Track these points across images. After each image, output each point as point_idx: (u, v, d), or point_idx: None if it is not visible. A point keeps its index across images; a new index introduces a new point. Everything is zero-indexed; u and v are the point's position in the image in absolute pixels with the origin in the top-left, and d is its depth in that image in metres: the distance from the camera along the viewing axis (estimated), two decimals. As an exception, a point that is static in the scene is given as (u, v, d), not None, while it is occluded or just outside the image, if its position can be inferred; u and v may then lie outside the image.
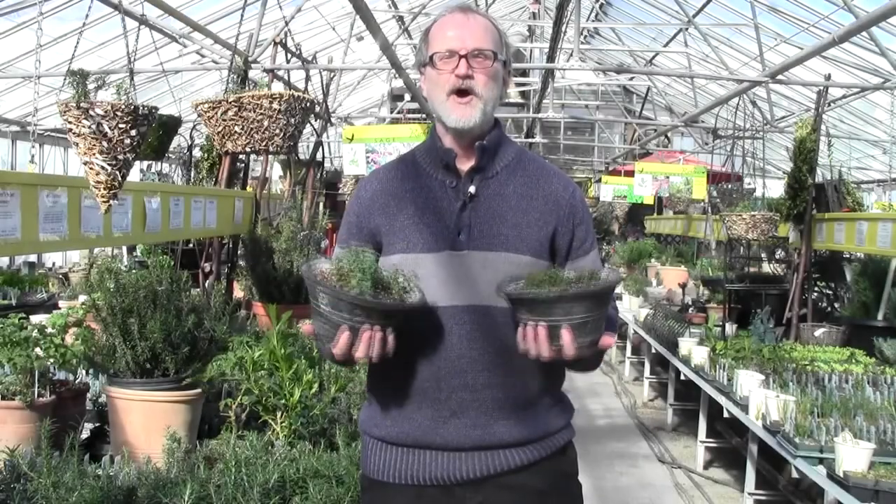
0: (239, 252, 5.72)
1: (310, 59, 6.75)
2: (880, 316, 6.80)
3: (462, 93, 1.96)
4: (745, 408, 4.99)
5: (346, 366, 2.13)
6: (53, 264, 11.00)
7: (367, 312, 1.78)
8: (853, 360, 5.97)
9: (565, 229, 2.02)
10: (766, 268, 9.63)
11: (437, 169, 2.03)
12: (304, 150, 9.41)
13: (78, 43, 4.14)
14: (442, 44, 1.98)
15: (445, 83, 1.97)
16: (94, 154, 2.70)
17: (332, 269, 1.85)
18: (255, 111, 4.48)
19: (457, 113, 1.97)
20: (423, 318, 1.92)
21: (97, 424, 3.45)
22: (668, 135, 17.39)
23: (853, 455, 3.69)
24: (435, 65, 1.98)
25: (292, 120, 4.52)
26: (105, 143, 2.69)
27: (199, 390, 3.19)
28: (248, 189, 6.00)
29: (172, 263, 3.49)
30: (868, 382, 5.14)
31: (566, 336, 1.78)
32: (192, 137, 7.44)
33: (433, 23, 2.05)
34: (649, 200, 13.13)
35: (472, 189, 1.99)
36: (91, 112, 2.66)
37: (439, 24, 2.02)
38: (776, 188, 11.10)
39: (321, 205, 7.00)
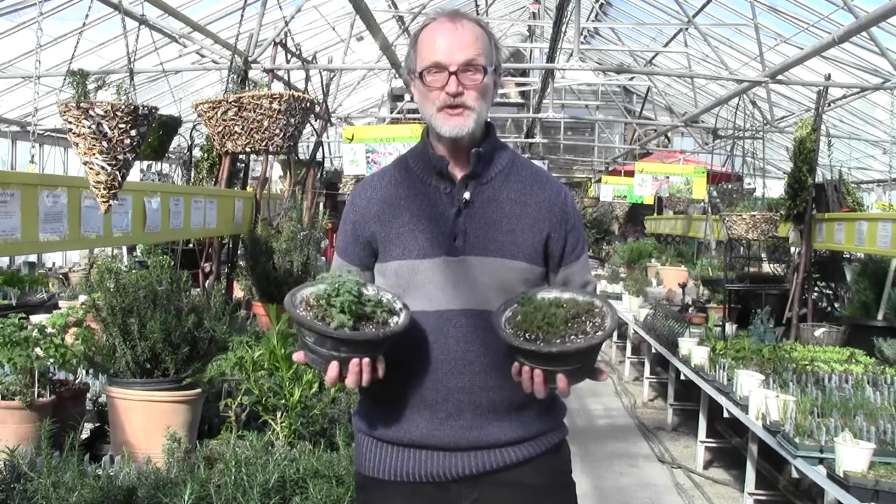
0: (239, 252, 5.72)
1: (310, 59, 6.75)
2: (880, 316, 6.79)
3: (453, 106, 1.95)
4: (745, 408, 4.99)
5: None
6: (53, 264, 11.00)
7: (352, 347, 1.81)
8: (853, 360, 5.97)
9: (558, 235, 2.03)
10: (766, 268, 9.63)
11: (431, 175, 2.03)
12: (304, 150, 9.41)
13: (78, 43, 4.14)
14: (430, 56, 1.95)
15: (435, 99, 1.96)
16: (94, 154, 2.70)
17: (314, 300, 1.85)
18: (255, 111, 4.48)
19: (449, 124, 1.96)
20: (420, 321, 1.93)
21: (97, 424, 3.45)
22: (668, 135, 17.40)
23: (853, 455, 3.69)
24: (424, 80, 1.96)
25: (292, 120, 4.52)
26: (105, 143, 2.69)
27: (199, 390, 3.19)
28: (248, 189, 6.00)
29: (172, 263, 3.49)
30: (868, 382, 5.14)
31: (562, 382, 1.80)
32: (192, 137, 7.44)
33: (422, 28, 2.01)
34: (649, 200, 13.14)
35: (466, 195, 1.99)
36: (91, 112, 2.66)
37: (428, 33, 1.98)
38: (776, 188, 11.10)
39: (321, 205, 7.00)
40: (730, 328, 7.40)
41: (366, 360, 1.81)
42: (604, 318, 1.83)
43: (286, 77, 7.40)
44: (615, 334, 11.62)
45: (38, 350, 3.20)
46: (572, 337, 1.78)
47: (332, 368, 1.81)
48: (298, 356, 1.90)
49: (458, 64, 1.93)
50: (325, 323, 1.80)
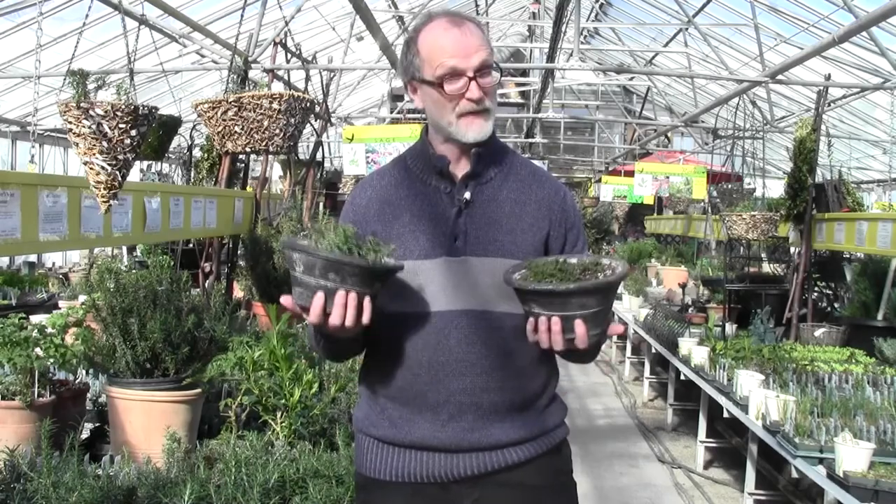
0: (239, 252, 5.72)
1: (310, 59, 6.75)
2: (880, 316, 6.80)
3: (476, 112, 1.94)
4: (745, 408, 4.99)
5: (336, 353, 2.09)
6: (53, 264, 11.00)
7: (341, 274, 1.74)
8: (853, 360, 5.97)
9: (557, 234, 2.03)
10: (766, 268, 9.64)
11: (430, 175, 2.02)
12: (304, 150, 9.41)
13: (78, 43, 4.15)
14: (444, 62, 1.92)
15: (456, 106, 1.93)
16: (94, 154, 2.70)
17: (312, 243, 1.82)
18: (255, 111, 4.48)
19: (473, 130, 1.94)
20: (421, 322, 1.93)
21: (97, 424, 3.45)
22: (668, 135, 17.41)
23: (853, 455, 3.69)
24: (444, 88, 1.92)
25: (292, 120, 4.52)
26: (105, 143, 2.69)
27: (199, 390, 3.19)
28: (248, 189, 6.00)
29: (172, 263, 3.49)
30: (868, 382, 5.14)
31: (580, 328, 1.76)
32: (192, 137, 7.44)
33: (418, 32, 1.98)
34: (649, 200, 13.14)
35: (467, 195, 1.99)
36: (91, 112, 2.66)
37: (432, 38, 1.95)
38: (776, 188, 11.10)
39: (321, 205, 7.00)
40: (730, 328, 7.40)
41: (352, 295, 1.76)
42: (614, 269, 1.82)
43: (286, 77, 7.40)
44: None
45: (38, 350, 3.20)
46: (587, 279, 1.77)
47: (318, 298, 1.75)
48: (286, 299, 1.84)
49: (475, 68, 1.92)
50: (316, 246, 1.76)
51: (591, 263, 1.83)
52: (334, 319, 1.76)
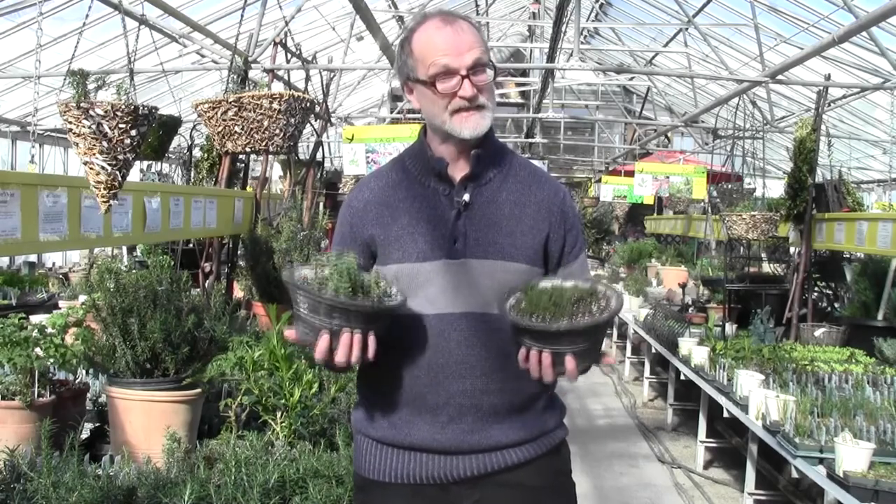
0: (239, 252, 5.72)
1: (310, 59, 6.75)
2: (880, 316, 6.79)
3: (468, 109, 1.94)
4: (745, 408, 4.99)
5: (338, 371, 2.12)
6: (53, 264, 11.00)
7: (345, 316, 1.77)
8: (853, 360, 5.97)
9: (557, 235, 2.03)
10: (766, 268, 9.63)
11: (429, 177, 2.01)
12: (304, 150, 9.41)
13: (78, 43, 4.15)
14: (436, 61, 1.91)
15: (449, 104, 1.93)
16: (94, 154, 2.70)
17: (313, 274, 1.84)
18: (255, 111, 4.49)
19: (469, 125, 1.94)
20: (421, 324, 1.92)
21: (97, 424, 3.45)
22: (668, 135, 17.41)
23: (853, 455, 3.69)
24: (436, 87, 1.92)
25: (292, 120, 4.52)
26: (105, 143, 2.69)
27: (199, 390, 3.19)
28: (248, 189, 6.00)
29: (172, 263, 3.48)
30: (868, 382, 5.14)
31: (570, 363, 1.78)
32: (192, 137, 7.44)
33: (412, 32, 1.97)
34: (649, 200, 13.15)
35: (466, 197, 1.98)
36: (91, 112, 2.66)
37: (426, 37, 1.94)
38: (776, 188, 11.10)
39: (321, 205, 7.00)
40: (730, 328, 7.40)
41: (357, 335, 1.78)
42: (608, 300, 1.83)
43: (286, 77, 7.40)
44: (615, 334, 11.62)
45: (38, 350, 3.20)
46: (579, 316, 1.78)
47: (323, 339, 1.78)
48: (290, 333, 1.87)
49: (467, 66, 1.91)
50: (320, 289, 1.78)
51: (587, 293, 1.83)
52: (339, 357, 1.79)
